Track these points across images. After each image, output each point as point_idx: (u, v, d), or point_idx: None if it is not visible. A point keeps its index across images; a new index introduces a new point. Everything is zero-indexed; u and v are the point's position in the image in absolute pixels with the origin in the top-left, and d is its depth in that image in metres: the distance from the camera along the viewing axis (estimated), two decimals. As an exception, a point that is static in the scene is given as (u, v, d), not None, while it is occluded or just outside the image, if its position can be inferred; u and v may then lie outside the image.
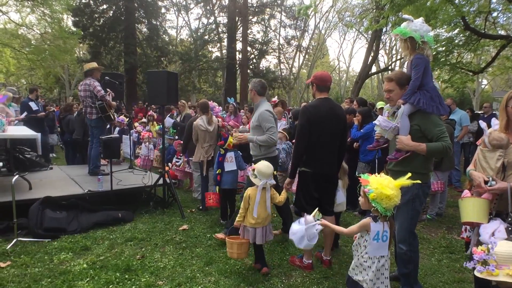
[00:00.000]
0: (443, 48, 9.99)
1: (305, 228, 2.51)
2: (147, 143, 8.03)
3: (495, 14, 10.12)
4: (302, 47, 31.45)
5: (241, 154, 4.87)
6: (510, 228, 2.24)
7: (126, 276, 3.26)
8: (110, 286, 3.10)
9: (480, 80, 25.35)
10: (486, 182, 2.33)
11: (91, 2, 20.16)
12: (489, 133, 2.44)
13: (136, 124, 10.71)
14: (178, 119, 8.03)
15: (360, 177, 2.42)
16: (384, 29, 15.19)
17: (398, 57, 26.76)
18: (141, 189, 5.57)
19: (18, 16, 20.67)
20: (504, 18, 11.07)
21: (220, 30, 27.27)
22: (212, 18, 27.08)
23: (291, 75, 32.81)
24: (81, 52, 29.32)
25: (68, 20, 21.49)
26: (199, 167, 5.54)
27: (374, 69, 22.84)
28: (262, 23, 28.18)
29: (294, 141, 3.58)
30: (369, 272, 2.34)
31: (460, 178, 7.57)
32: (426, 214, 5.31)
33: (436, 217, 5.34)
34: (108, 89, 6.02)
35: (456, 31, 10.03)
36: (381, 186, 2.24)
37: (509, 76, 23.84)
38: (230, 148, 4.66)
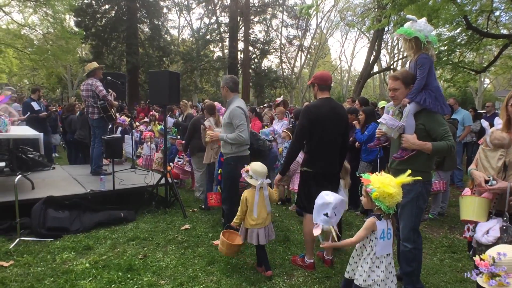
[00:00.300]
0: (445, 47, 9.95)
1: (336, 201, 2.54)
2: (149, 143, 8.05)
3: (497, 13, 10.05)
4: (303, 47, 31.52)
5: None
6: (504, 227, 2.24)
7: (128, 276, 3.27)
8: (113, 285, 3.11)
9: (482, 79, 25.25)
10: (486, 182, 2.33)
11: (93, 2, 20.25)
12: (491, 133, 2.44)
13: (137, 123, 10.72)
14: (180, 118, 8.04)
15: (361, 176, 2.43)
16: (386, 29, 15.16)
17: (400, 56, 26.68)
18: (143, 188, 5.57)
19: (21, 17, 20.74)
20: (507, 17, 10.98)
21: (222, 30, 27.35)
22: (214, 18, 27.18)
23: (293, 74, 32.84)
24: (83, 52, 29.42)
25: (70, 21, 21.57)
26: (203, 167, 5.53)
27: (376, 68, 22.80)
28: (264, 22, 28.24)
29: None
30: (379, 272, 2.33)
31: (462, 177, 7.56)
32: (428, 214, 5.31)
33: (438, 217, 5.34)
34: (110, 89, 6.04)
35: (458, 30, 9.97)
36: (383, 184, 2.25)
37: (511, 75, 23.73)
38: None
